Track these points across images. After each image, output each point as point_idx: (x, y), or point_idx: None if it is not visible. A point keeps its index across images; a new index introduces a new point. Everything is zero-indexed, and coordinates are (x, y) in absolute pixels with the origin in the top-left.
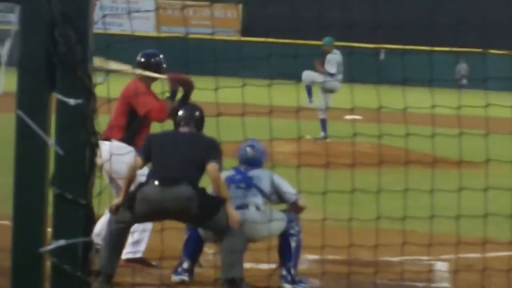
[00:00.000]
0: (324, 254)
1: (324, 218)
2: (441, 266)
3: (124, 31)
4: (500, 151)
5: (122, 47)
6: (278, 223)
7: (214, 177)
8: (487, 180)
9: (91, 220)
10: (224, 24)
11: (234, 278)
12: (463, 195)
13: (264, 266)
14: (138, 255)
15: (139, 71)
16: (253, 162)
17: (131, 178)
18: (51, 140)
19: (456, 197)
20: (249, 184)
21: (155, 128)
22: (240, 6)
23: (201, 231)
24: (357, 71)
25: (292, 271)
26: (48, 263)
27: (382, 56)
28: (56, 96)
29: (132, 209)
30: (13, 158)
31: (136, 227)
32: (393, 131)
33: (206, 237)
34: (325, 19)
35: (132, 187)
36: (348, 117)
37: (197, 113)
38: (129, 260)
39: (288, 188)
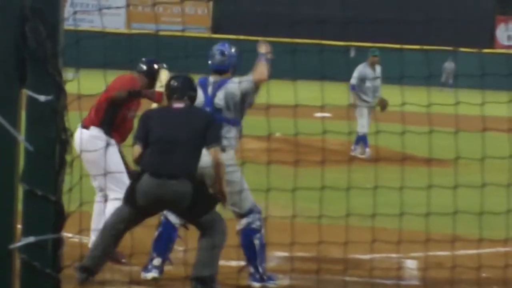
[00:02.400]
0: (294, 251)
1: (294, 215)
2: (410, 264)
3: (94, 28)
4: (469, 148)
5: (92, 43)
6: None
7: (216, 162)
8: (456, 177)
9: (61, 216)
10: (194, 21)
11: (205, 277)
12: (432, 193)
13: (234, 263)
14: None
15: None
16: (224, 68)
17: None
18: (21, 136)
19: (425, 194)
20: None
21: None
22: (211, 3)
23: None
24: (327, 69)
25: (260, 269)
26: (17, 260)
27: (352, 53)
28: (26, 92)
29: (134, 202)
30: None
31: None
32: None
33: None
34: (296, 16)
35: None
36: (318, 114)
37: (189, 84)
38: None
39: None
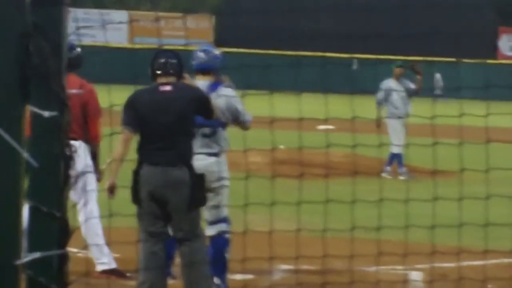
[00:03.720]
0: (299, 264)
1: (299, 228)
2: (416, 276)
3: (97, 42)
4: (473, 160)
5: (96, 58)
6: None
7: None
8: (461, 189)
9: (66, 232)
10: (197, 34)
11: None
12: (437, 204)
13: (239, 277)
14: (113, 265)
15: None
16: (204, 68)
17: (122, 154)
18: (26, 153)
19: (430, 206)
20: (213, 125)
21: None
22: (213, 17)
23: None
24: (330, 81)
25: (226, 282)
26: (23, 276)
27: (355, 66)
28: (30, 108)
29: (139, 200)
30: None
31: (94, 241)
32: (367, 141)
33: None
34: (298, 29)
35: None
36: (321, 127)
37: (175, 59)
38: (104, 272)
39: (245, 113)
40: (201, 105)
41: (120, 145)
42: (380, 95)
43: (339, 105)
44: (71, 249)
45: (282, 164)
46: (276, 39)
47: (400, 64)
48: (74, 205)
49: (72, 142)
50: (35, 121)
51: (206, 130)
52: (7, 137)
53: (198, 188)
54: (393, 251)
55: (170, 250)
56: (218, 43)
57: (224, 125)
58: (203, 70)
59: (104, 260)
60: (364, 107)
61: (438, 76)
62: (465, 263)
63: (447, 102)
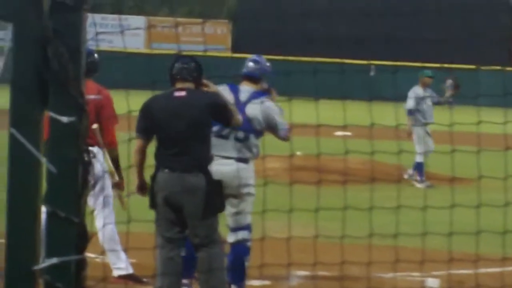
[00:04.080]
0: (316, 270)
1: (316, 235)
2: (432, 283)
3: (114, 48)
4: (491, 167)
5: (113, 63)
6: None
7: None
8: (479, 196)
9: (84, 238)
10: (214, 40)
11: None
12: (455, 211)
13: (256, 283)
14: (130, 271)
15: None
16: (254, 75)
17: (140, 161)
18: (44, 158)
19: (448, 213)
20: (247, 130)
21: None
22: (230, 22)
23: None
24: (347, 88)
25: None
26: (41, 281)
27: (372, 72)
28: (48, 113)
29: (157, 206)
30: (6, 176)
31: (111, 246)
32: (385, 147)
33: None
34: (314, 35)
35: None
36: (339, 133)
37: (193, 64)
38: (121, 277)
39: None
40: (217, 110)
41: (135, 154)
42: (411, 103)
43: (356, 111)
44: (89, 255)
45: (300, 170)
46: (293, 45)
47: (430, 74)
48: (92, 211)
49: (90, 148)
50: (53, 126)
51: (240, 134)
52: (25, 142)
53: (215, 195)
54: (410, 258)
55: (193, 252)
56: (235, 49)
57: (258, 133)
58: (250, 77)
59: (121, 265)
60: (382, 113)
61: (449, 82)
62: (483, 270)
63: (460, 109)
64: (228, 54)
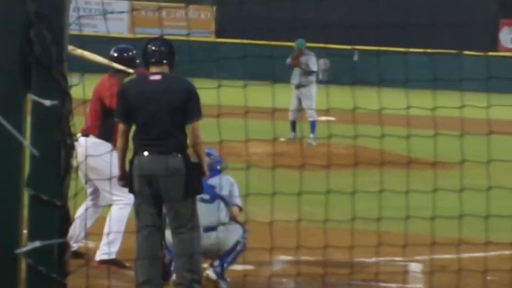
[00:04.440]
0: (299, 255)
1: (299, 219)
2: (415, 267)
3: (98, 33)
4: (474, 152)
5: (97, 48)
6: (236, 235)
7: (193, 140)
8: (462, 180)
9: (67, 221)
10: (198, 25)
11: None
12: (438, 196)
13: (239, 267)
14: (113, 256)
15: (114, 64)
16: (211, 170)
17: (123, 144)
18: (27, 141)
19: (431, 197)
20: (213, 195)
21: None
22: (214, 7)
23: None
24: (331, 72)
25: (225, 265)
26: (23, 265)
27: (355, 57)
28: (31, 97)
29: (136, 191)
30: None
31: (111, 227)
32: (368, 132)
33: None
34: (299, 20)
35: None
36: (322, 118)
37: (167, 48)
38: (103, 262)
39: (237, 196)
40: (191, 97)
41: (119, 137)
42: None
43: (340, 96)
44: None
45: (283, 155)
46: (277, 29)
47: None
48: (76, 194)
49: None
50: (36, 109)
51: (206, 196)
52: (8, 125)
53: (193, 177)
54: (393, 243)
55: None
56: (219, 33)
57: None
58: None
59: (104, 251)
60: (365, 98)
61: (321, 61)
62: (465, 255)
63: (444, 93)
64: (212, 39)
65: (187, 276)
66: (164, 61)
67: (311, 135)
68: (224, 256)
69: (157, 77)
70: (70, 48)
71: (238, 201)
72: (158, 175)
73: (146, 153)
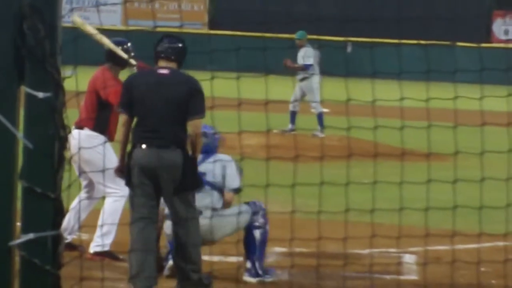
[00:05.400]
0: (293, 246)
1: (293, 210)
2: (409, 259)
3: (91, 25)
4: (468, 143)
5: (90, 40)
6: (243, 217)
7: (194, 134)
8: (455, 172)
9: (60, 213)
10: (191, 17)
11: (196, 277)
12: (431, 187)
13: (233, 259)
14: (106, 248)
15: (119, 52)
16: (208, 149)
17: (124, 135)
18: (20, 134)
19: (424, 189)
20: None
21: None
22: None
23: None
24: (325, 64)
25: (257, 264)
26: (17, 257)
27: (349, 49)
28: (24, 89)
29: (134, 183)
30: None
31: (105, 219)
32: (362, 123)
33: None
34: (293, 12)
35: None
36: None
37: (178, 45)
38: (97, 254)
39: (232, 180)
40: (194, 95)
41: (120, 128)
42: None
43: (333, 88)
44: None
45: (276, 147)
46: (270, 22)
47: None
48: (69, 186)
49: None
50: (30, 102)
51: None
52: (1, 118)
53: (191, 171)
54: (387, 234)
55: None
56: (212, 25)
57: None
58: (204, 151)
59: (97, 243)
60: (359, 90)
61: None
62: (459, 246)
63: (437, 85)
64: (205, 31)
65: (184, 266)
66: (173, 57)
67: (318, 127)
68: (249, 254)
69: (165, 71)
70: (79, 22)
71: (234, 184)
72: (156, 168)
73: (144, 146)
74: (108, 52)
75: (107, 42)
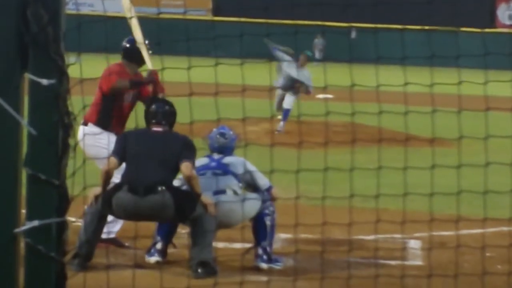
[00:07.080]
0: (297, 232)
1: (297, 196)
2: (414, 244)
3: (95, 12)
4: (472, 128)
5: (94, 27)
6: (254, 204)
7: (188, 175)
8: (460, 157)
9: (65, 200)
10: (195, 3)
11: (206, 260)
12: (436, 173)
13: (238, 246)
14: (112, 235)
15: (142, 43)
16: (225, 150)
17: (106, 179)
18: (24, 121)
19: (429, 174)
20: (225, 171)
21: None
22: None
23: None
24: (329, 50)
25: (268, 249)
26: (22, 244)
27: (353, 34)
28: (28, 76)
29: (111, 211)
30: None
31: None
32: (366, 109)
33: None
34: None
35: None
36: (320, 95)
37: (168, 109)
38: (102, 241)
39: (261, 178)
40: (185, 147)
41: (102, 174)
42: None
43: (338, 74)
44: (70, 218)
45: (280, 133)
46: (274, 7)
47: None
48: (73, 173)
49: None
50: (33, 89)
51: (218, 171)
52: (5, 105)
53: (184, 202)
54: (391, 220)
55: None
56: (216, 12)
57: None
58: (221, 152)
59: (105, 230)
60: (363, 75)
61: (316, 40)
62: (464, 231)
63: (441, 70)
64: (209, 17)
65: (196, 256)
66: (164, 123)
67: (282, 123)
68: (260, 241)
69: (159, 128)
70: (127, 5)
71: (265, 181)
72: (145, 215)
73: (131, 190)
74: (126, 49)
75: (139, 37)
